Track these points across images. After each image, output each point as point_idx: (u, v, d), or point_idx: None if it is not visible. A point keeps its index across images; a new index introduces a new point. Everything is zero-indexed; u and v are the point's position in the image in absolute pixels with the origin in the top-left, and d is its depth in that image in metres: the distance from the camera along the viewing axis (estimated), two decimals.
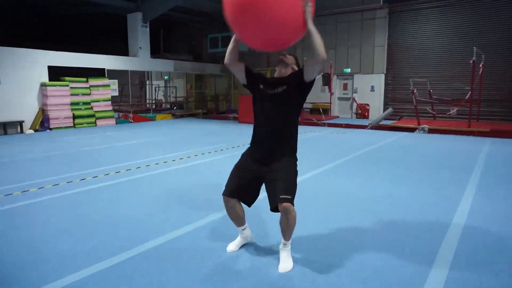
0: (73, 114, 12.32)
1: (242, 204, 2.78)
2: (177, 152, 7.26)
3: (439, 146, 8.05)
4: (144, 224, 3.43)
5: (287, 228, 2.53)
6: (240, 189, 2.69)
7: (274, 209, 2.52)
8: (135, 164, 6.14)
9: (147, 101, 20.33)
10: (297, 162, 2.67)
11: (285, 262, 2.59)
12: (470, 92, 10.72)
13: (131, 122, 14.32)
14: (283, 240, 2.63)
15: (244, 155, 2.78)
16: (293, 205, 2.46)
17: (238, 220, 2.82)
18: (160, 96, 21.24)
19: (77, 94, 12.54)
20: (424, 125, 10.88)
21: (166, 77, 21.28)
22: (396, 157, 6.85)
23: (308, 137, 9.61)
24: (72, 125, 12.28)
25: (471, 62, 10.49)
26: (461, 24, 13.15)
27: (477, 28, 12.84)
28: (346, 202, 4.04)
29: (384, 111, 13.79)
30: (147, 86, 20.92)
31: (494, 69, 12.41)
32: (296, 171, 2.62)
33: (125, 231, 3.27)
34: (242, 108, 13.73)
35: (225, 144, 8.30)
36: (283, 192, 2.43)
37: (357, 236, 3.13)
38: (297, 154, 2.69)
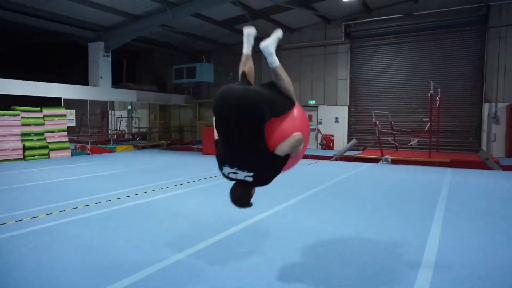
0: (24, 145, 11.49)
1: None
2: (132, 187, 6.76)
3: (403, 178, 8.05)
4: (84, 275, 2.96)
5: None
6: None
7: None
8: (84, 202, 5.60)
9: (109, 132, 19.58)
10: None
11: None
12: (429, 124, 11.04)
13: (89, 153, 13.57)
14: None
15: None
16: None
17: None
18: (123, 126, 20.56)
19: (29, 125, 11.77)
20: (387, 156, 11.00)
21: (129, 107, 20.70)
22: (361, 190, 6.72)
23: None
24: (22, 157, 11.42)
25: (429, 95, 10.88)
26: (418, 60, 13.77)
27: (433, 62, 13.48)
28: (312, 243, 3.75)
29: (348, 142, 13.93)
30: (110, 116, 20.22)
31: (451, 101, 12.96)
32: None
33: (56, 286, 2.78)
34: (206, 140, 13.40)
35: (185, 178, 7.88)
36: None
37: (323, 282, 2.83)
38: None
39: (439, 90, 11.59)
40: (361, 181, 7.61)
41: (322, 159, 11.88)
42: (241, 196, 2.56)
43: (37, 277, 2.93)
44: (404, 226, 4.34)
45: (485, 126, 12.64)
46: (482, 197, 5.98)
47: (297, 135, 2.54)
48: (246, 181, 2.52)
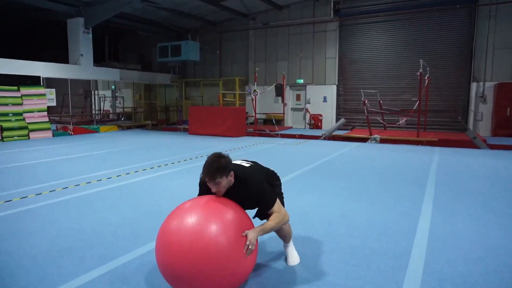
0: (1, 126, 11.04)
1: None
2: (114, 168, 6.51)
3: (391, 157, 7.97)
4: (56, 262, 2.76)
5: (283, 235, 2.70)
6: None
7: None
8: (62, 184, 5.34)
9: (93, 112, 19.05)
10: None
11: (292, 257, 2.76)
12: (417, 103, 10.94)
13: (71, 134, 13.16)
14: (284, 243, 2.79)
15: None
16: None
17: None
18: (107, 106, 20.01)
19: (6, 104, 11.28)
20: (376, 135, 10.92)
21: (113, 87, 20.11)
22: (350, 169, 6.60)
23: (260, 149, 9.21)
24: (0, 138, 10.98)
25: (418, 74, 10.74)
26: (407, 38, 13.57)
27: (422, 41, 13.29)
28: (300, 224, 3.61)
29: (336, 122, 13.81)
30: (94, 96, 19.63)
31: (439, 80, 12.87)
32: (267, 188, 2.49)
33: (25, 276, 2.58)
34: (192, 119, 13.10)
35: (169, 158, 7.65)
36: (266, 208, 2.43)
37: (312, 268, 2.69)
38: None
39: (428, 69, 11.46)
40: (349, 161, 7.50)
41: (310, 139, 11.75)
42: (221, 157, 2.29)
43: (2, 268, 2.71)
44: (395, 206, 4.23)
45: (472, 106, 12.63)
46: (471, 177, 5.93)
47: (286, 216, 2.45)
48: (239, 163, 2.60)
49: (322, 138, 11.73)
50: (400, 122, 12.45)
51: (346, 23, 14.56)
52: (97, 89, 20.15)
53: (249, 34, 16.51)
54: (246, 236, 2.14)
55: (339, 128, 12.57)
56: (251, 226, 2.28)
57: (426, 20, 13.20)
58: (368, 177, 5.91)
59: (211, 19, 16.72)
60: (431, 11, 13.02)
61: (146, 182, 5.55)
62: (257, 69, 15.25)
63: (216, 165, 2.21)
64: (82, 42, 13.93)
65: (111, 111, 19.79)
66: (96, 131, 13.99)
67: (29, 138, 11.65)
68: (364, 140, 11.05)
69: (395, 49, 13.80)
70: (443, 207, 4.21)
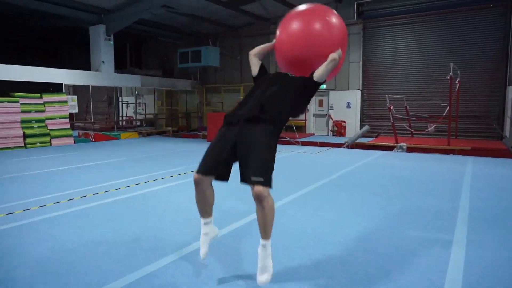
0: (24, 133, 11.17)
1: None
2: (124, 178, 6.30)
3: (419, 167, 7.39)
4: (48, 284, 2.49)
5: (262, 221, 2.19)
6: (218, 163, 2.38)
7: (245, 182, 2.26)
8: (69, 195, 5.15)
9: (119, 119, 19.24)
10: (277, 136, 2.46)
11: (262, 271, 2.24)
12: (448, 108, 10.26)
13: (92, 141, 13.22)
14: (261, 240, 2.26)
15: (220, 129, 2.55)
16: (269, 188, 2.14)
17: (205, 207, 2.53)
18: (130, 113, 20.18)
19: (29, 111, 11.43)
20: (402, 143, 10.30)
21: (136, 93, 20.27)
22: (373, 182, 6.11)
23: (278, 158, 8.81)
24: (23, 145, 11.11)
25: (448, 77, 10.07)
26: (436, 40, 12.87)
27: (452, 43, 12.56)
28: (312, 247, 3.21)
29: (360, 129, 13.24)
30: (120, 102, 19.84)
31: (471, 85, 12.10)
32: (273, 146, 2.34)
33: None
34: (211, 126, 12.88)
35: (182, 168, 7.39)
36: (254, 172, 2.13)
37: None
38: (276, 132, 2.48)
39: (458, 72, 10.75)
40: (373, 172, 6.99)
41: (332, 147, 11.26)
42: None
43: None
44: (423, 229, 3.75)
45: (508, 111, 11.75)
46: (511, 192, 5.32)
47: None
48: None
49: (345, 146, 11.21)
50: (429, 129, 11.74)
51: (370, 25, 14.00)
52: (121, 95, 20.38)
53: (270, 38, 16.14)
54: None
55: (363, 136, 12.01)
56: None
57: (456, 21, 12.47)
58: (393, 191, 5.41)
59: (231, 24, 16.54)
60: (461, 11, 12.29)
61: (156, 193, 5.28)
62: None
63: None
64: (103, 49, 14.04)
65: (134, 118, 19.94)
66: (116, 137, 14.01)
67: (51, 145, 11.75)
68: (389, 148, 10.45)
69: (423, 52, 13.12)
70: (480, 230, 3.69)
